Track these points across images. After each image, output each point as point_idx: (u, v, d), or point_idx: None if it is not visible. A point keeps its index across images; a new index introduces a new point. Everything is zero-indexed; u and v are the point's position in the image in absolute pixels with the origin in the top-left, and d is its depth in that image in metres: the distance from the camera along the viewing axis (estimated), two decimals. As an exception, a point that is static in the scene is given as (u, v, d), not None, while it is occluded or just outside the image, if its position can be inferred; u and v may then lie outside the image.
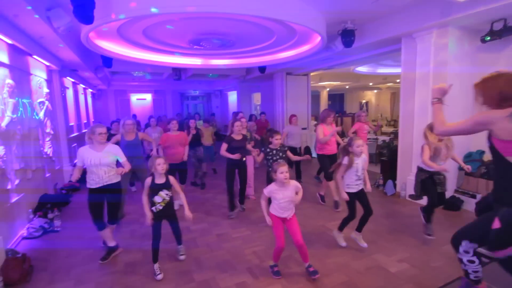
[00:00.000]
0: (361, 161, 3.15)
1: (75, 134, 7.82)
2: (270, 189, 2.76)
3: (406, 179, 5.03)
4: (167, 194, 2.92)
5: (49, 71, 5.89)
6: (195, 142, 5.80)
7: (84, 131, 9.19)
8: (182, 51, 6.41)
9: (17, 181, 3.86)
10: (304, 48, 6.15)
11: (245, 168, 4.51)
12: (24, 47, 4.12)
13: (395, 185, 5.34)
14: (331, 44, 5.50)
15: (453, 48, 4.35)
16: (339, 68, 9.41)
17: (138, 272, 3.00)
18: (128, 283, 2.81)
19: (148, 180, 2.89)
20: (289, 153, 3.99)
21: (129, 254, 3.37)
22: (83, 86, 9.79)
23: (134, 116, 11.80)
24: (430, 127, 3.24)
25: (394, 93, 19.17)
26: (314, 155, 6.35)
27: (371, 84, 15.27)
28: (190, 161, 5.48)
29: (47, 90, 5.53)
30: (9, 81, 3.85)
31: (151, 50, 6.14)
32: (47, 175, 5.21)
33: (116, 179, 3.18)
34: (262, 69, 8.02)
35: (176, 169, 4.55)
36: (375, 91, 19.47)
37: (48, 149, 5.29)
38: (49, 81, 5.80)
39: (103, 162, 3.04)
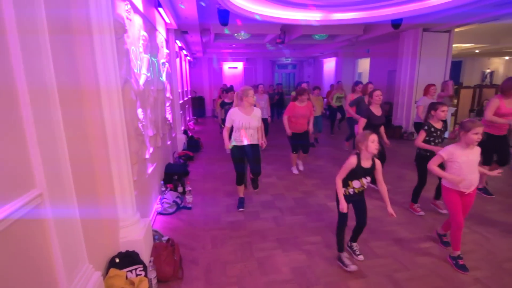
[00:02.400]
0: None
1: (181, 101, 7.55)
2: (450, 151, 2.28)
3: None
4: (367, 182, 2.28)
5: (167, 30, 5.41)
6: None
7: (185, 99, 9.01)
8: (306, 1, 5.29)
9: (151, 149, 3.42)
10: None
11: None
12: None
13: None
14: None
15: None
16: (497, 21, 7.03)
17: (311, 284, 2.19)
18: (313, 306, 2.01)
19: (353, 161, 2.18)
20: None
21: (287, 253, 2.60)
22: (185, 53, 9.52)
23: (231, 87, 11.29)
24: None
25: (537, 60, 14.78)
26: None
27: (517, 45, 11.73)
28: None
29: (167, 51, 5.05)
30: (143, 32, 3.30)
31: (274, 1, 5.18)
32: (168, 142, 4.85)
33: (256, 141, 3.36)
34: (396, 24, 6.35)
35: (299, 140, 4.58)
36: (507, 57, 15.39)
37: (168, 115, 4.89)
38: (167, 42, 5.33)
39: (252, 125, 3.24)
